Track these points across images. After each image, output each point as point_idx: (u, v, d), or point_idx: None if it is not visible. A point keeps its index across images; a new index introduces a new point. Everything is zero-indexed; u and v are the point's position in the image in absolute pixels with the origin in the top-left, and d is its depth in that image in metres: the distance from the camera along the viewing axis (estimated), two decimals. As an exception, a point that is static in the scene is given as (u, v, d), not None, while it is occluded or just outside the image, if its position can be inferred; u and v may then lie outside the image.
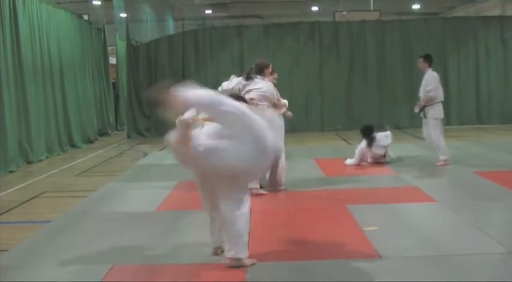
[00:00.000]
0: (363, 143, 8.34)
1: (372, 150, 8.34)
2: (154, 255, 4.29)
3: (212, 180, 3.79)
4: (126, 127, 15.17)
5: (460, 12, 21.65)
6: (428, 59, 8.24)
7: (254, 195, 6.05)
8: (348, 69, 14.66)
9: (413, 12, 22.42)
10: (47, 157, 10.48)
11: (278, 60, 14.62)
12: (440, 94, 8.13)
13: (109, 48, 16.15)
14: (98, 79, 14.58)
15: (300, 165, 8.52)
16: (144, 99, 14.44)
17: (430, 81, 8.08)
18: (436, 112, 8.09)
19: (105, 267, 3.97)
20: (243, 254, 3.83)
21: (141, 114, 14.59)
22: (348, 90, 14.54)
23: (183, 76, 14.44)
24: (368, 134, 8.41)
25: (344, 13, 16.62)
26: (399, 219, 5.13)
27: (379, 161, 8.38)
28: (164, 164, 9.35)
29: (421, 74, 14.64)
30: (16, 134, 9.40)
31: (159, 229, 5.06)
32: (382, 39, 14.69)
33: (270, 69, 6.62)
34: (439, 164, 8.10)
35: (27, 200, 6.67)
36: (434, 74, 8.15)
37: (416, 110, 8.28)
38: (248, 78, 6.46)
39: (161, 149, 11.50)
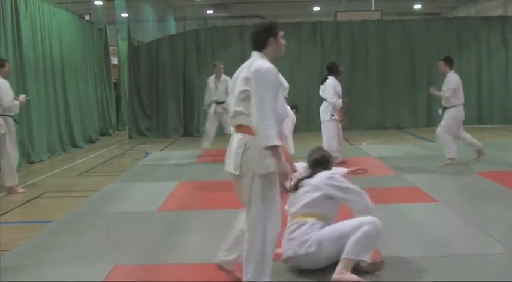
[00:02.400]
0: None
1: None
2: (156, 255, 4.29)
3: None
4: (127, 127, 15.18)
5: (462, 12, 21.60)
6: (449, 61, 8.26)
7: None
8: (349, 69, 14.62)
9: (415, 13, 22.38)
10: (49, 157, 10.48)
11: (279, 60, 14.51)
12: (459, 96, 8.15)
13: (110, 48, 16.15)
14: (99, 79, 14.59)
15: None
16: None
17: (449, 83, 8.11)
18: (456, 113, 8.16)
19: (106, 267, 3.97)
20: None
21: (142, 114, 14.59)
22: (349, 90, 14.48)
23: (184, 76, 14.47)
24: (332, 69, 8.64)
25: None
26: (400, 220, 5.13)
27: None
28: (165, 164, 9.37)
29: (422, 75, 14.70)
30: (18, 134, 9.32)
31: (160, 229, 5.07)
32: (383, 40, 14.67)
33: None
34: (446, 162, 8.15)
35: (29, 200, 6.67)
36: (456, 76, 8.17)
37: (440, 112, 8.35)
38: None
39: (162, 149, 11.51)
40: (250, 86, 3.19)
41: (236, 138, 3.31)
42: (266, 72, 3.21)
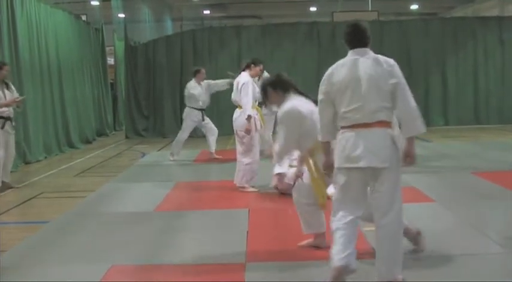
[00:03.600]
0: None
1: None
2: (153, 255, 4.29)
3: None
4: (124, 127, 15.16)
5: (459, 12, 21.65)
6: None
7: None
8: (346, 70, 14.67)
9: (412, 13, 22.43)
10: (45, 157, 10.46)
11: (276, 60, 14.63)
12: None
13: (107, 48, 16.12)
14: (96, 79, 14.58)
15: (299, 166, 8.50)
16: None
17: None
18: None
19: (103, 267, 3.97)
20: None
21: (139, 115, 14.58)
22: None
23: (181, 76, 14.46)
24: None
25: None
26: (397, 219, 5.13)
27: None
28: (162, 164, 9.36)
29: (419, 75, 14.67)
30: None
31: (157, 229, 5.06)
32: (380, 40, 14.64)
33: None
34: None
35: (26, 201, 6.66)
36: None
37: None
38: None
39: (159, 150, 11.50)
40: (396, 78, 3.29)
41: (375, 133, 3.30)
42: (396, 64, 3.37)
